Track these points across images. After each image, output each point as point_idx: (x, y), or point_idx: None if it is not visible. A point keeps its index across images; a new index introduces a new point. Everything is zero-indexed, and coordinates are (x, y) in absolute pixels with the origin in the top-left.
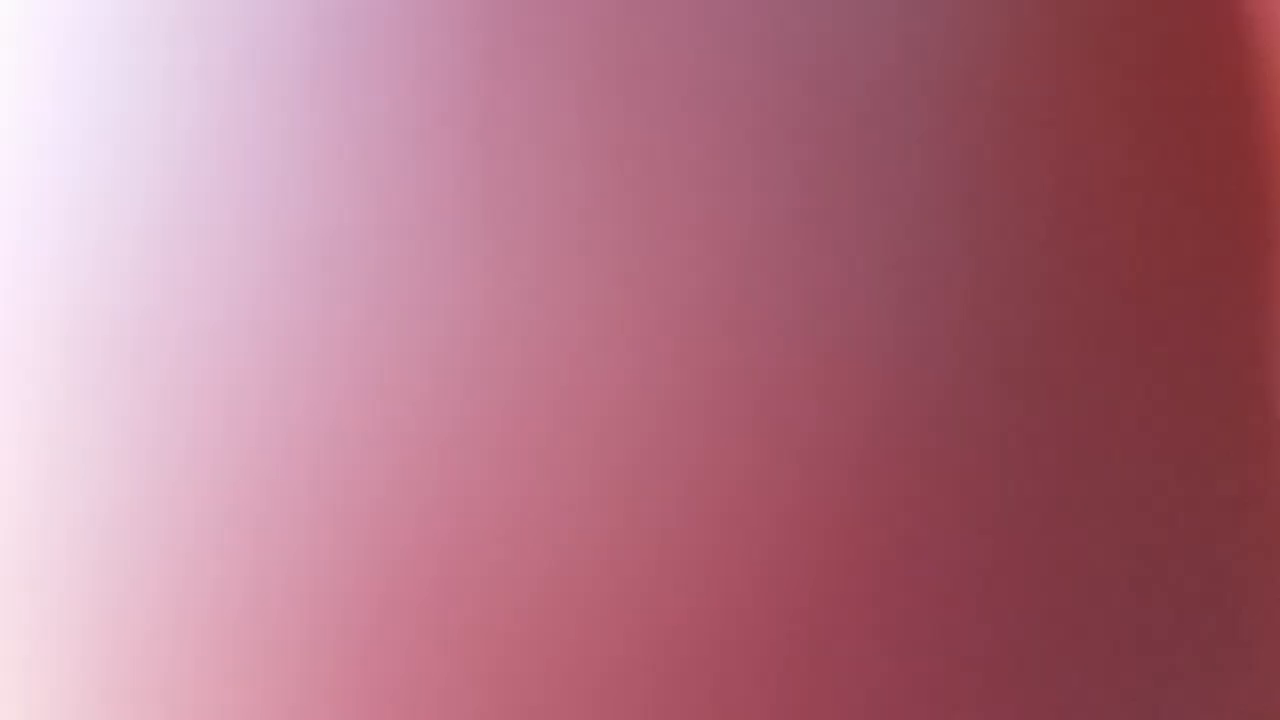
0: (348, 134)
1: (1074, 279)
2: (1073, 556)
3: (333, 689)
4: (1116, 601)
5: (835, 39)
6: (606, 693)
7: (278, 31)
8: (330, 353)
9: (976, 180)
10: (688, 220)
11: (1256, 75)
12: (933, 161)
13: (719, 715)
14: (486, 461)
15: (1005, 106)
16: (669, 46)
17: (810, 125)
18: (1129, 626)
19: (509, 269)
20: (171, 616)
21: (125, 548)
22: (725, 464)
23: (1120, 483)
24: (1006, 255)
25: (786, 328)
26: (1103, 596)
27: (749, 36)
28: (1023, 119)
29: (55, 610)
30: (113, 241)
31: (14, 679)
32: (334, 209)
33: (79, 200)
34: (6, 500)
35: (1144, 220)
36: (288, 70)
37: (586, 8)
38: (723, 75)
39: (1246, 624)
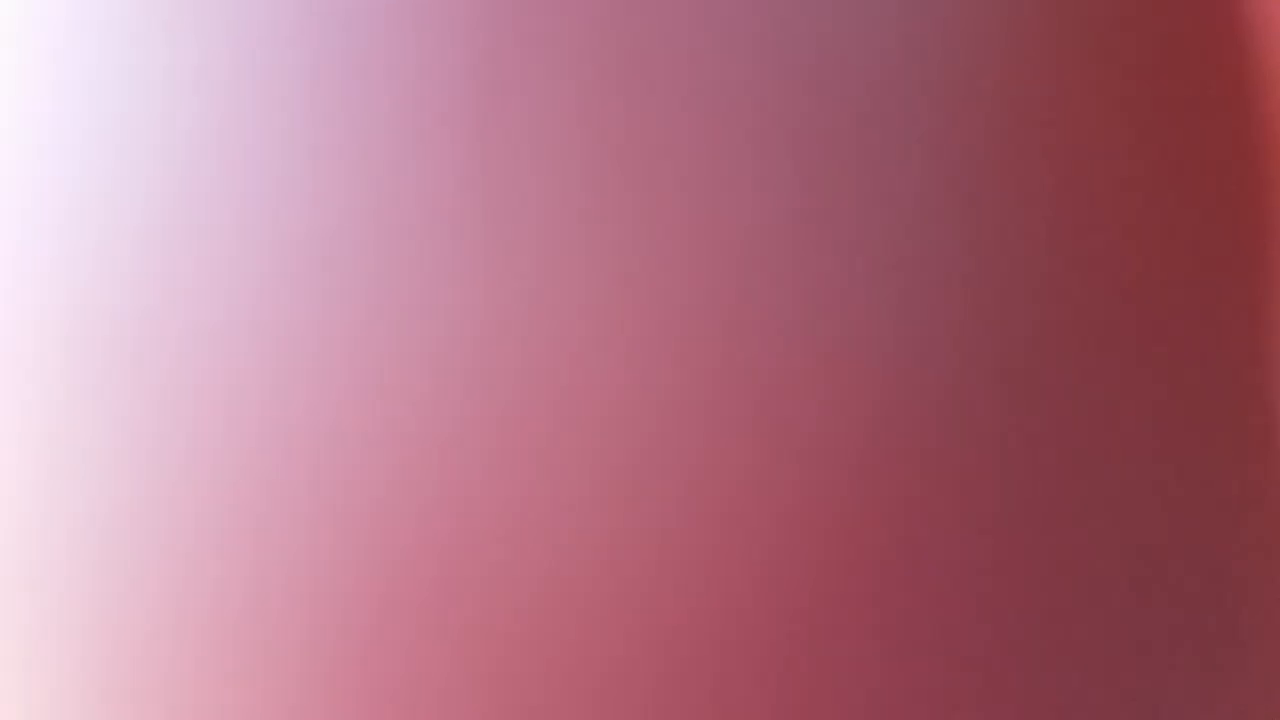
0: (347, 134)
1: (1074, 279)
2: (1073, 556)
3: (333, 689)
4: (1116, 601)
5: (835, 39)
6: (606, 693)
7: (277, 31)
8: (330, 353)
9: (976, 180)
10: (687, 220)
11: (1256, 75)
12: (933, 161)
13: (719, 715)
14: (486, 461)
15: (1005, 106)
16: (669, 47)
17: (810, 125)
18: (1129, 626)
19: (509, 269)
20: (171, 616)
21: (125, 548)
22: (725, 464)
23: (1120, 483)
24: (1006, 255)
25: (786, 328)
26: (1103, 596)
27: (749, 36)
28: (1023, 119)
29: (55, 610)
30: (112, 241)
31: (14, 679)
32: (334, 209)
33: (78, 200)
34: (6, 500)
35: (1144, 220)
36: (287, 70)
37: (586, 7)
38: (722, 75)
39: (1246, 624)
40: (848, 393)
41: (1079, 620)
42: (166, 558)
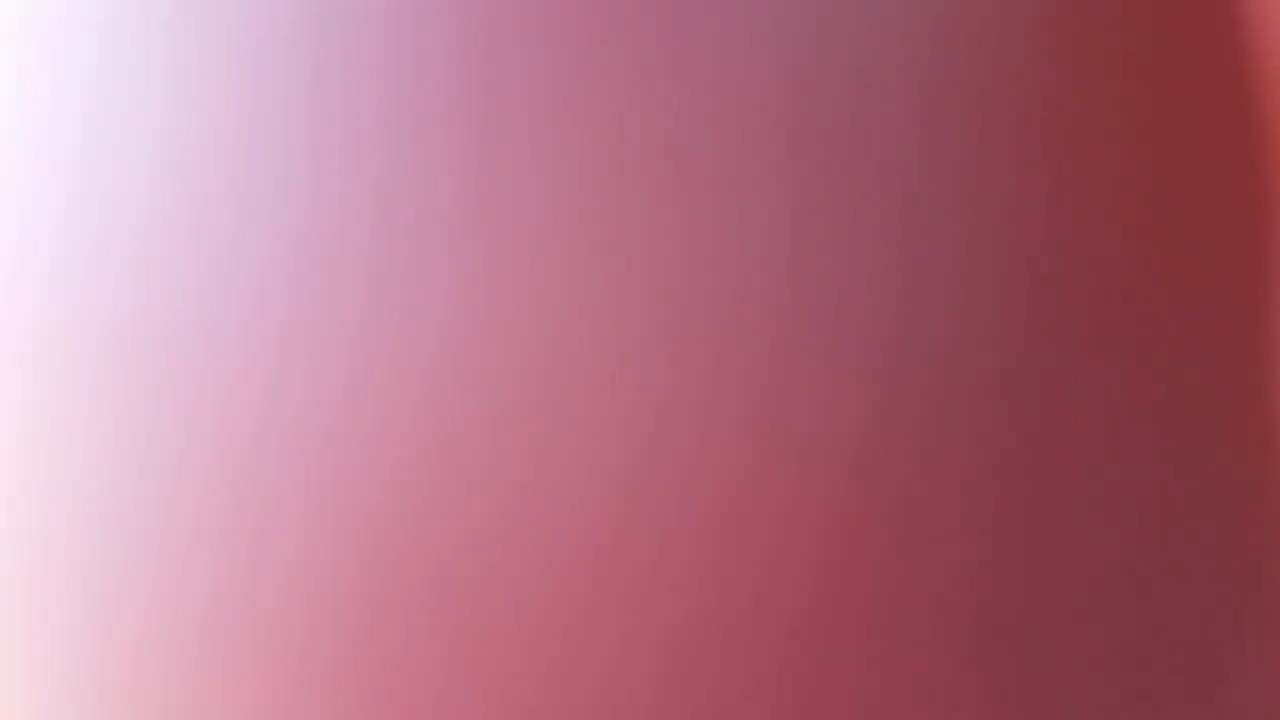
0: (345, 134)
1: (1073, 279)
2: (1072, 556)
3: (328, 689)
4: (1116, 602)
5: (834, 39)
6: (603, 694)
7: (275, 32)
8: (326, 353)
9: (975, 180)
10: (686, 220)
11: (1256, 75)
12: (932, 161)
13: (716, 716)
14: (483, 462)
15: (1005, 106)
16: (668, 46)
17: (808, 125)
18: (1129, 626)
19: (506, 269)
20: (167, 616)
21: (119, 547)
22: (723, 464)
23: (1119, 483)
24: (1005, 255)
25: (785, 328)
26: (1102, 597)
27: (747, 36)
28: (1022, 118)
29: (51, 610)
30: (107, 241)
31: (12, 679)
32: (331, 209)
33: (74, 200)
34: (2, 500)
35: (1144, 220)
36: (284, 71)
37: (584, 7)
38: (720, 74)
39: (1246, 624)
40: (846, 393)
41: (1078, 620)
42: (161, 557)
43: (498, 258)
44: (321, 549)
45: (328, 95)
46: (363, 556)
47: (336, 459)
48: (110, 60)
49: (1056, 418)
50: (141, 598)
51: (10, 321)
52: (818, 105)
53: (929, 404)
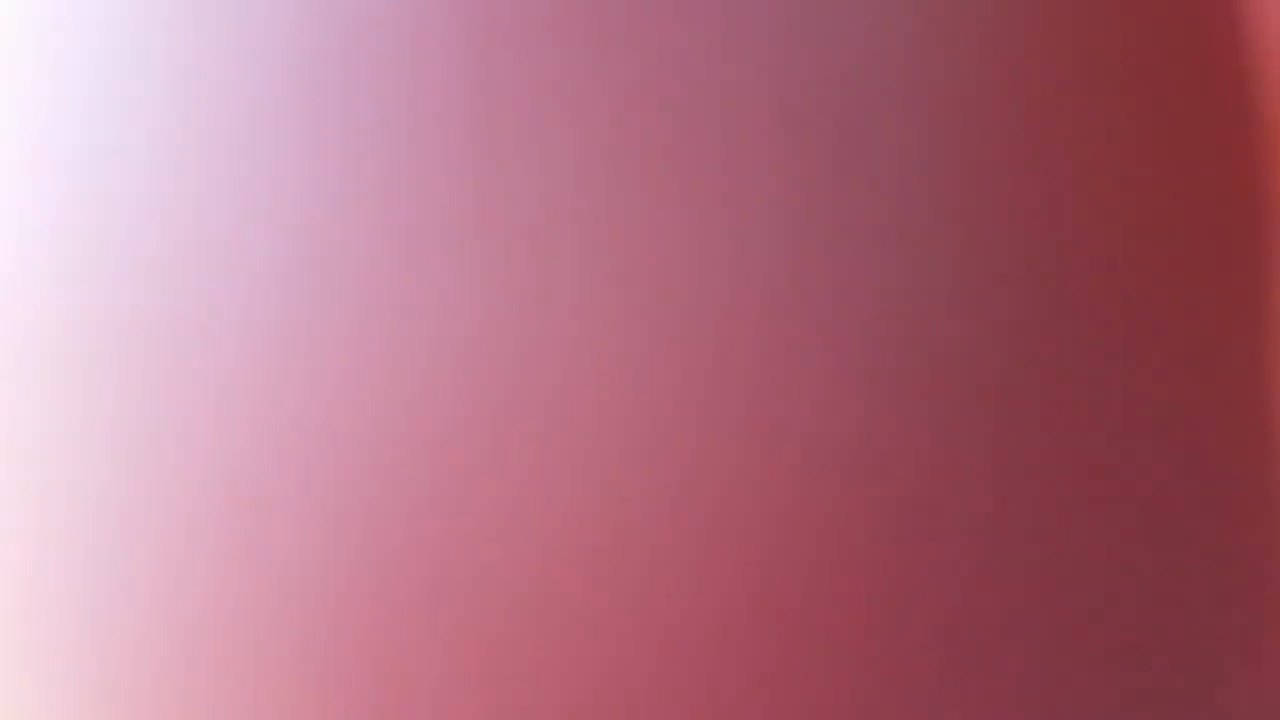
0: (342, 134)
1: (1073, 279)
2: (1070, 556)
3: (324, 688)
4: (1116, 602)
5: (834, 39)
6: (598, 693)
7: (273, 31)
8: (323, 352)
9: (973, 180)
10: (681, 220)
11: (1256, 75)
12: (929, 161)
13: (712, 715)
14: (478, 461)
15: (1004, 106)
16: (664, 47)
17: (805, 125)
18: (1129, 626)
19: (501, 268)
20: (163, 616)
21: (116, 546)
22: (718, 464)
23: (1119, 483)
24: (1003, 255)
25: (780, 328)
26: (1101, 597)
27: (745, 36)
28: (1021, 118)
29: (48, 610)
30: (105, 240)
31: (11, 678)
32: (327, 209)
33: (73, 199)
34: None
35: (1144, 220)
36: (282, 70)
37: (580, 7)
38: (718, 75)
39: (1246, 624)
40: (843, 392)
41: (1077, 621)
42: (158, 555)
43: (494, 257)
44: (318, 547)
45: (326, 95)
46: (359, 555)
47: (333, 458)
48: (109, 60)
49: (1054, 418)
50: (138, 596)
51: (9, 320)
52: (814, 105)
53: (925, 404)
